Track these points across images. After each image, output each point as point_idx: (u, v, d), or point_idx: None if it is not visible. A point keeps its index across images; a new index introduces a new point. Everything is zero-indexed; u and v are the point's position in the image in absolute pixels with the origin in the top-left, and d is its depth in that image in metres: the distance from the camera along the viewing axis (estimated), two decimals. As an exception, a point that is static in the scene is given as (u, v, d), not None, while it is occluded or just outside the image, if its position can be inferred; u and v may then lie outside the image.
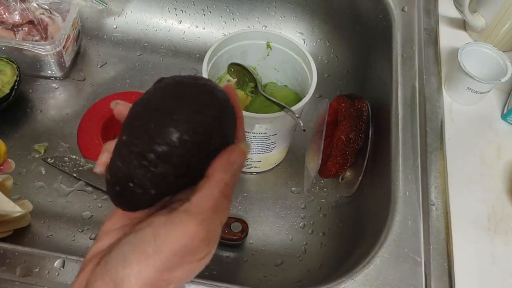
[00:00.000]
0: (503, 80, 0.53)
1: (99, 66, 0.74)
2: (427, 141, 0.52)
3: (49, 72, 0.70)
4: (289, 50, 0.58)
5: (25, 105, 0.69)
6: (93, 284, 0.25)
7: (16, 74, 0.64)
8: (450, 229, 0.46)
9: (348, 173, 0.61)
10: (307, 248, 0.60)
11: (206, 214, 0.25)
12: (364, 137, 0.58)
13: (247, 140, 0.56)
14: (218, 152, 0.27)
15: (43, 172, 0.63)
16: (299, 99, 0.58)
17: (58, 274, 0.42)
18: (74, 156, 0.63)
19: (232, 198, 0.69)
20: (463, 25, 0.66)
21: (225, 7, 0.77)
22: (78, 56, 0.75)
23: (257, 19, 0.77)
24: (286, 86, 0.64)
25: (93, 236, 0.58)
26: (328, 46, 0.76)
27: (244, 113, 0.50)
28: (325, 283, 0.42)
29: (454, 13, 0.64)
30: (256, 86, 0.60)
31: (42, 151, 0.64)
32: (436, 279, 0.43)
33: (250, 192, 0.64)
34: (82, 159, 0.63)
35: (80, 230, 0.58)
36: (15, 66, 0.64)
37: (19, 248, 0.43)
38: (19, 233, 0.56)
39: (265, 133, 0.55)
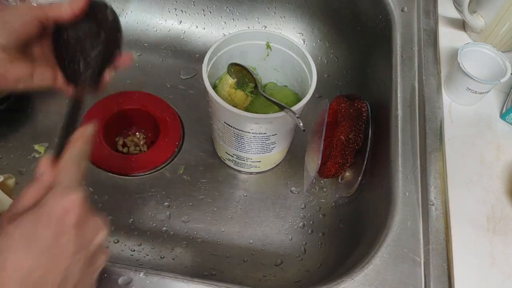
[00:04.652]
0: (503, 80, 0.53)
1: (99, 66, 0.74)
2: (426, 141, 0.52)
3: (49, 72, 0.70)
4: (289, 50, 0.58)
5: (26, 105, 0.69)
6: None
7: (17, 74, 0.64)
8: (450, 230, 0.46)
9: (347, 173, 0.61)
10: (306, 248, 0.60)
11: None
12: (363, 137, 0.58)
13: (247, 140, 0.56)
14: None
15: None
16: (299, 99, 0.58)
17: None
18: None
19: (232, 198, 0.68)
20: (462, 25, 0.66)
21: (225, 7, 0.77)
22: (78, 56, 0.75)
23: (257, 19, 0.77)
24: (286, 86, 0.64)
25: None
26: (327, 47, 0.76)
27: (244, 113, 0.50)
28: (324, 283, 0.42)
29: (453, 13, 0.64)
30: (256, 86, 0.60)
31: (43, 151, 0.64)
32: (435, 279, 0.43)
33: (250, 192, 0.64)
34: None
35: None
36: (16, 66, 0.64)
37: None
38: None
39: (265, 133, 0.55)
